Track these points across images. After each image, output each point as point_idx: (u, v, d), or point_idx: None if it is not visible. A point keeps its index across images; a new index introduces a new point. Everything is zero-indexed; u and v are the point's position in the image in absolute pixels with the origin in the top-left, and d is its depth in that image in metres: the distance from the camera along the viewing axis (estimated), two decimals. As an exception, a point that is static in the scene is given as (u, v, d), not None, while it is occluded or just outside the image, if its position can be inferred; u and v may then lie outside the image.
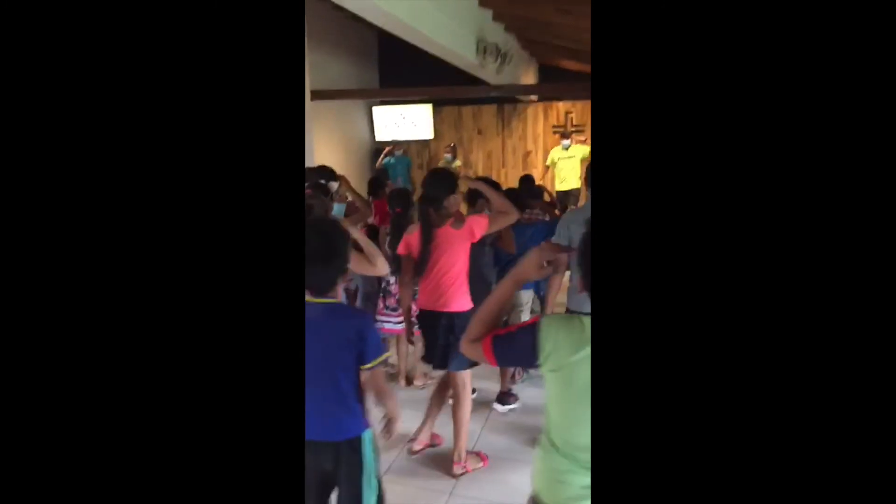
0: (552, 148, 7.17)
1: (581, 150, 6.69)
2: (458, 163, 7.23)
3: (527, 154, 8.42)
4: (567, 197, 6.61)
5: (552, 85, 6.86)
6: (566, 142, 6.63)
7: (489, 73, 5.90)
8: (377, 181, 4.64)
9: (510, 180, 7.66)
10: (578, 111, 8.21)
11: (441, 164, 7.27)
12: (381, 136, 8.37)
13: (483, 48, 4.90)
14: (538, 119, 8.36)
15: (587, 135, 7.32)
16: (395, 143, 7.46)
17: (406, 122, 8.32)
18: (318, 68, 6.59)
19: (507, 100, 8.23)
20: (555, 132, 8.33)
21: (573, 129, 8.20)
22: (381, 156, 7.31)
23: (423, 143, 8.59)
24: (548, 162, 7.06)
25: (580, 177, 6.30)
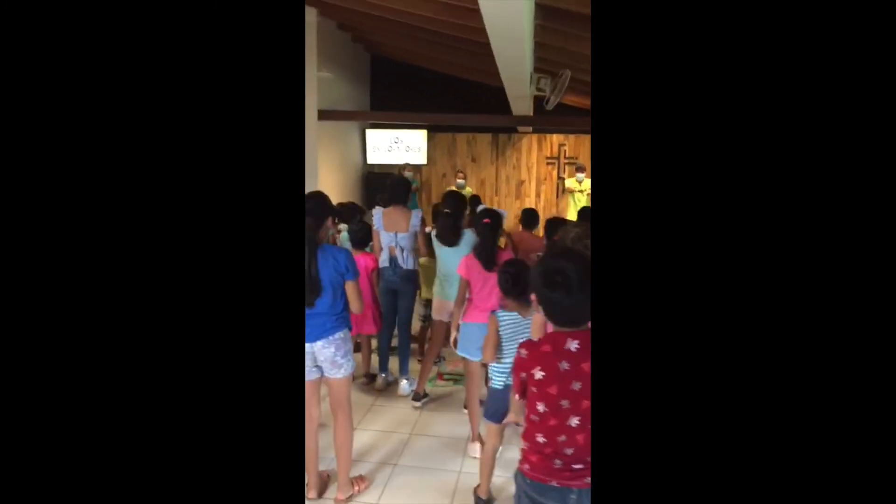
0: (569, 177, 7.12)
1: (590, 184, 6.68)
2: (468, 189, 7.17)
3: (520, 183, 8.38)
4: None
5: (548, 117, 6.84)
6: (580, 175, 6.60)
7: (523, 104, 5.74)
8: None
9: (505, 208, 7.60)
10: (571, 144, 8.22)
11: (451, 189, 7.19)
12: (373, 158, 8.28)
13: (538, 78, 4.82)
14: (532, 149, 8.35)
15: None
16: (408, 166, 7.35)
17: (399, 146, 8.25)
18: (325, 87, 6.54)
19: (502, 129, 8.22)
20: (548, 163, 8.33)
21: (567, 160, 8.22)
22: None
23: (416, 168, 8.51)
24: (569, 186, 6.96)
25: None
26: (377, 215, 3.38)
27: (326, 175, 6.96)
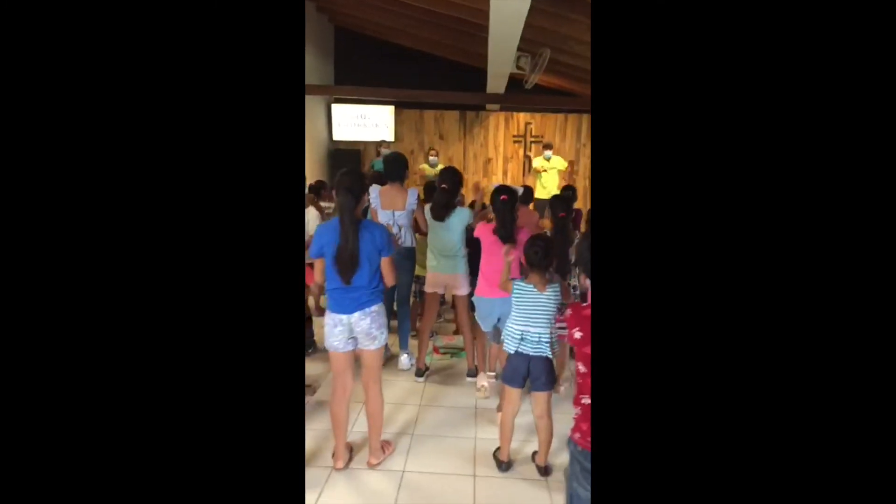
0: (535, 157, 7.19)
1: (560, 162, 6.80)
2: (440, 166, 7.15)
3: (488, 161, 8.46)
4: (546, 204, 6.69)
5: (518, 95, 6.91)
6: (548, 153, 6.71)
7: (500, 82, 5.75)
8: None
9: (472, 185, 7.67)
10: (537, 122, 8.36)
11: (423, 166, 7.15)
12: (339, 135, 8.13)
13: (517, 57, 4.84)
14: (499, 127, 8.44)
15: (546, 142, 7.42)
16: (384, 143, 7.22)
17: (366, 123, 8.14)
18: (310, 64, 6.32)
19: (470, 107, 8.25)
20: (515, 141, 8.45)
21: (532, 139, 8.35)
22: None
23: (388, 145, 8.42)
24: (536, 167, 7.06)
25: (558, 186, 6.39)
26: (374, 193, 3.37)
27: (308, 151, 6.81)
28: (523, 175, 8.35)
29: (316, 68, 7.52)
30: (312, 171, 7.25)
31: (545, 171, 6.81)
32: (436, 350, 3.78)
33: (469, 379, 3.30)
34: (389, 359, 3.55)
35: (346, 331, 2.23)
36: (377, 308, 2.25)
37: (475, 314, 2.90)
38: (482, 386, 3.06)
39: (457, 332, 3.94)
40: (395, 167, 3.37)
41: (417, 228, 3.39)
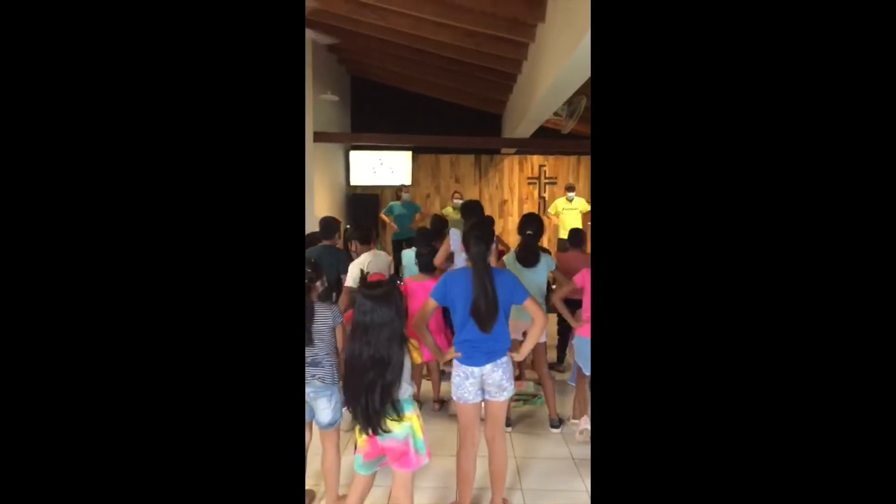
0: (556, 199, 7.29)
1: (582, 203, 6.92)
2: None
3: (503, 203, 8.57)
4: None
5: (530, 139, 7.08)
6: (571, 194, 6.84)
7: (530, 127, 5.83)
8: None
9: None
10: (551, 164, 8.54)
11: (447, 210, 7.19)
12: (356, 180, 8.19)
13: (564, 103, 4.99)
14: (514, 170, 8.59)
15: (560, 184, 7.57)
16: (402, 187, 7.25)
17: (383, 168, 8.22)
18: (316, 109, 6.42)
19: (485, 150, 8.41)
20: (530, 183, 8.60)
21: (547, 180, 8.52)
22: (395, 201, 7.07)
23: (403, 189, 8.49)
24: (551, 211, 7.19)
25: (581, 226, 6.50)
26: (454, 236, 3.40)
27: (321, 198, 6.82)
28: (540, 213, 8.46)
29: (335, 118, 7.62)
30: (333, 214, 7.24)
31: (564, 210, 6.92)
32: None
33: (553, 430, 3.25)
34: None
35: (477, 383, 2.19)
36: (507, 359, 2.23)
37: (576, 356, 2.88)
38: (584, 429, 3.01)
39: (519, 378, 3.90)
40: (474, 212, 3.43)
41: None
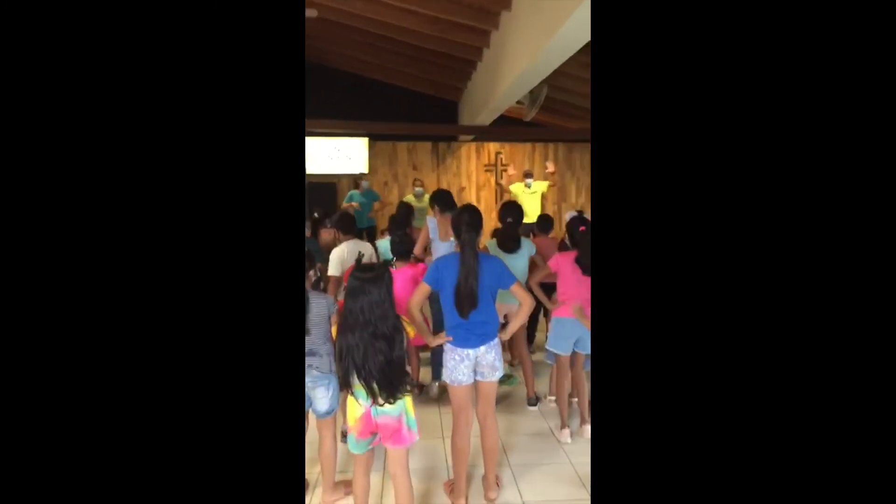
0: (510, 184, 7.37)
1: (541, 185, 7.06)
2: (426, 197, 7.19)
3: (461, 189, 8.64)
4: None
5: (487, 127, 7.17)
6: (529, 180, 6.96)
7: (491, 115, 5.89)
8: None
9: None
10: (507, 151, 8.67)
11: (409, 197, 7.16)
12: (312, 168, 8.03)
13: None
14: (471, 157, 8.67)
15: (512, 171, 7.67)
16: (361, 175, 7.16)
17: (340, 155, 8.10)
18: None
19: (442, 137, 8.44)
20: (487, 170, 8.70)
21: (503, 167, 8.65)
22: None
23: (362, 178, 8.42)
24: (513, 192, 7.27)
25: (541, 208, 6.64)
26: (432, 225, 3.43)
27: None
28: (496, 202, 8.60)
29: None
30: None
31: (523, 195, 7.06)
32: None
33: (531, 408, 3.38)
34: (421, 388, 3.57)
35: (471, 364, 2.26)
36: (497, 340, 2.31)
37: (552, 337, 3.00)
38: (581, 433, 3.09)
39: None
40: (447, 200, 3.48)
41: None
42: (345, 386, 1.97)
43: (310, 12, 4.74)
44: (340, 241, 3.53)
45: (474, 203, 8.54)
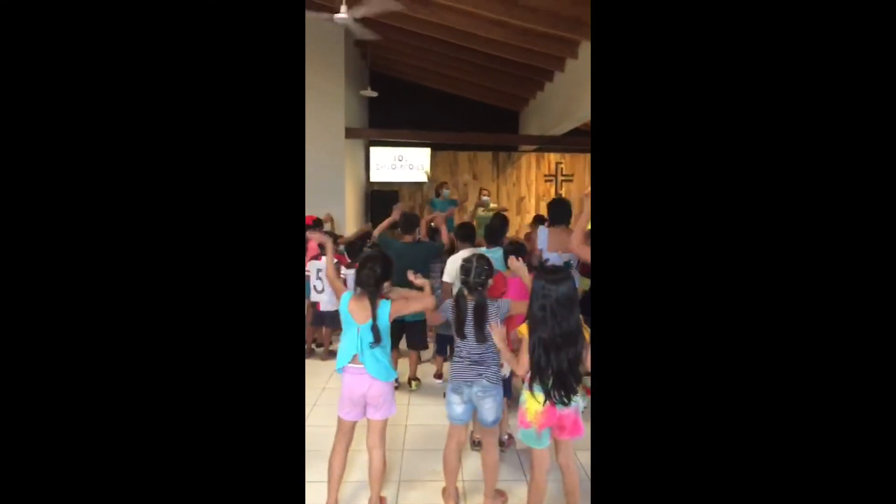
0: (572, 195, 7.37)
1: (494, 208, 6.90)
2: (493, 205, 7.19)
3: (520, 199, 8.64)
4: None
5: (548, 136, 7.16)
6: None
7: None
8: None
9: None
10: (567, 162, 8.64)
11: (478, 208, 7.17)
12: (375, 176, 8.13)
13: None
14: (531, 167, 8.66)
15: (576, 181, 7.65)
16: (444, 183, 7.18)
17: (402, 164, 8.18)
18: (348, 106, 6.35)
19: (503, 147, 8.45)
20: (547, 180, 8.68)
21: (563, 177, 8.62)
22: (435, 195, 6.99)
23: (417, 186, 8.48)
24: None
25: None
26: (542, 235, 3.43)
27: (349, 194, 6.75)
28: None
29: (354, 112, 7.54)
30: (354, 212, 7.18)
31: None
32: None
33: None
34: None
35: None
36: None
37: None
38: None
39: None
40: (562, 210, 3.47)
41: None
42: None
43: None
44: (459, 249, 3.55)
45: (533, 212, 8.55)
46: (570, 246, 2.93)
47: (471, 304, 2.26)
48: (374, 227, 4.95)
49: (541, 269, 2.12)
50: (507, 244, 3.52)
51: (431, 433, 2.93)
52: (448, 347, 3.89)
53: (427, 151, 8.16)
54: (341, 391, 2.26)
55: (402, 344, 3.92)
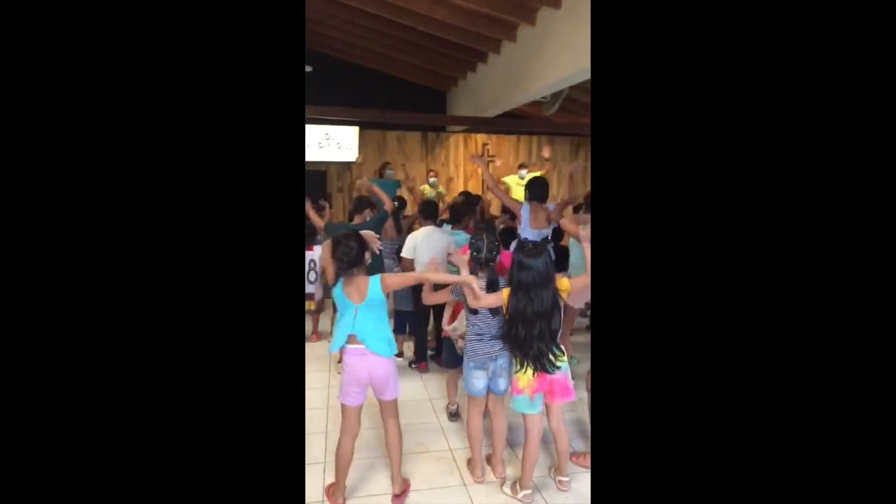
0: (506, 175, 7.53)
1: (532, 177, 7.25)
2: (440, 187, 7.20)
3: (449, 180, 8.73)
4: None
5: (476, 118, 7.29)
6: (523, 171, 7.15)
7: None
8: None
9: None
10: (493, 143, 8.84)
11: (424, 186, 7.14)
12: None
13: None
14: (459, 147, 8.76)
15: (499, 163, 7.84)
16: (386, 163, 7.03)
17: (330, 143, 7.96)
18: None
19: (432, 128, 8.47)
20: (472, 161, 8.81)
21: (489, 158, 8.81)
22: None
23: (345, 165, 8.31)
24: (504, 187, 7.43)
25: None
26: (525, 212, 3.57)
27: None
28: (482, 192, 8.74)
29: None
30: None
31: (516, 187, 7.24)
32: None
33: None
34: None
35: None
36: None
37: None
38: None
39: None
40: (541, 188, 3.62)
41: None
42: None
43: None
44: (421, 227, 3.61)
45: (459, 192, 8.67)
46: (552, 217, 3.13)
47: (483, 280, 2.32)
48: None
49: (519, 245, 2.24)
50: (479, 224, 3.62)
51: (406, 409, 2.99)
52: (406, 325, 3.94)
53: (355, 130, 7.99)
54: (342, 376, 2.24)
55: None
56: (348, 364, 2.19)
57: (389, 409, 2.30)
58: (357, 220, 3.70)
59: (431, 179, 7.11)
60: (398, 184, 7.47)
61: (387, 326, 2.22)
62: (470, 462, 2.54)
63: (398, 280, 2.29)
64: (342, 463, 2.25)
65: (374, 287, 2.15)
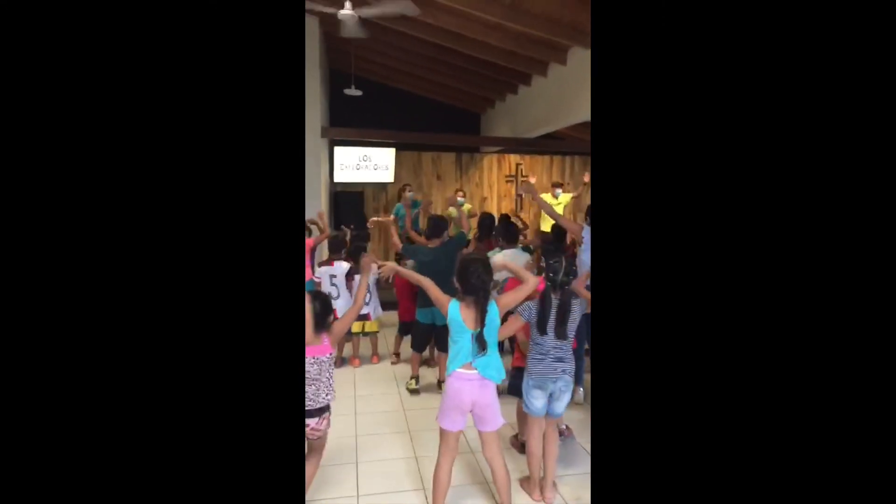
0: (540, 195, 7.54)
1: (566, 197, 7.29)
2: (468, 205, 7.21)
3: (483, 200, 8.76)
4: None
5: (511, 138, 7.35)
6: (558, 191, 7.16)
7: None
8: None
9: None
10: (527, 163, 8.88)
11: (451, 209, 7.16)
12: (339, 177, 7.92)
13: None
14: (493, 168, 8.80)
15: (533, 178, 7.87)
16: (406, 185, 7.10)
17: (367, 165, 8.03)
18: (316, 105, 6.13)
19: (466, 149, 8.53)
20: (507, 181, 8.87)
21: (522, 178, 8.85)
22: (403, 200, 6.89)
23: (381, 187, 8.37)
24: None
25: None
26: (586, 234, 3.57)
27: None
28: (516, 211, 8.77)
29: (323, 111, 7.30)
30: (314, 211, 6.94)
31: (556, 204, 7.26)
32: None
33: None
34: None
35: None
36: None
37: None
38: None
39: None
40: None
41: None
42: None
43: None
44: (503, 250, 3.63)
45: (496, 213, 8.70)
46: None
47: (555, 302, 2.31)
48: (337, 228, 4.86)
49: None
50: (548, 247, 3.62)
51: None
52: (425, 341, 3.86)
53: (392, 151, 8.07)
54: (444, 400, 2.22)
55: (407, 349, 3.93)
56: (453, 388, 2.16)
57: (492, 442, 2.22)
58: (435, 242, 3.64)
59: (459, 198, 7.10)
60: (418, 204, 7.51)
61: (496, 351, 2.21)
62: (526, 481, 2.50)
63: (511, 299, 2.27)
64: (440, 488, 2.22)
65: (493, 313, 2.14)
